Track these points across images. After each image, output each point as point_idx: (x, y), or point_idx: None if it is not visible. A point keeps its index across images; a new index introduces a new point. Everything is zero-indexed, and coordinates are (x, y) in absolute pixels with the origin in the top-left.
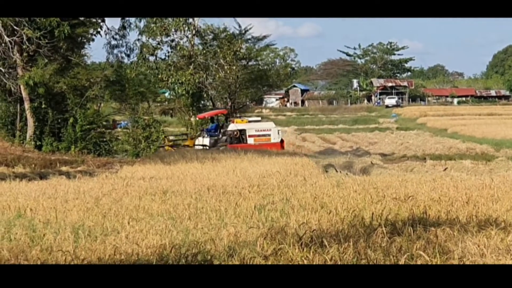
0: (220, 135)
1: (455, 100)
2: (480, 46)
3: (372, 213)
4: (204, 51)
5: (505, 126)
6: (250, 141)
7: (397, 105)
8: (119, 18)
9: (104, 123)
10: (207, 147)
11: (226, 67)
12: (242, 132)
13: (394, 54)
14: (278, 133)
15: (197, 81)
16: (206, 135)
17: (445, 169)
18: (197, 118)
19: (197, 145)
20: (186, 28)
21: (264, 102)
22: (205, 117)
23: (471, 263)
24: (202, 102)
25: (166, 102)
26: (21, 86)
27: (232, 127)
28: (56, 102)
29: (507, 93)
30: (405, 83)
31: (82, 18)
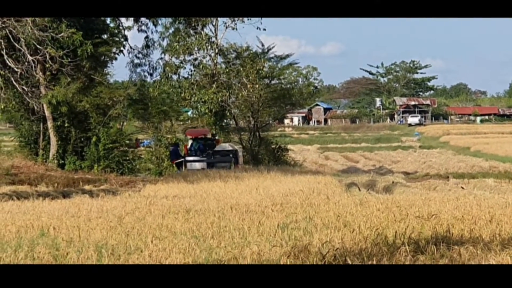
0: (211, 155)
1: (478, 119)
2: (503, 64)
3: (395, 232)
4: (227, 70)
5: None
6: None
7: (420, 124)
8: (143, 37)
9: (127, 141)
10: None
11: (249, 86)
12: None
13: (417, 73)
14: None
15: (220, 99)
16: (201, 155)
17: (463, 188)
18: (186, 136)
19: (190, 161)
20: (209, 47)
21: (291, 121)
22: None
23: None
24: (225, 120)
25: (189, 121)
26: (44, 105)
27: (224, 146)
28: (79, 121)
29: None
30: (428, 102)
31: (105, 37)
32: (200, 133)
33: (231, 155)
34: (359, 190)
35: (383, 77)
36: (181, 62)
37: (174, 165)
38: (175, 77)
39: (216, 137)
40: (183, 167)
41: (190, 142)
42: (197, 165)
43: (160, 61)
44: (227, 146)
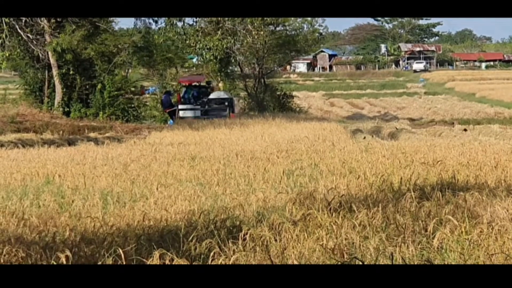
0: (205, 103)
1: (483, 65)
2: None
3: (401, 178)
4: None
5: None
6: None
7: (425, 70)
8: None
9: (132, 89)
10: (199, 116)
11: (254, 33)
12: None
13: (422, 19)
14: None
15: (225, 46)
16: (194, 103)
17: (465, 130)
18: (180, 83)
19: (183, 109)
20: None
21: (291, 68)
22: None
23: (499, 228)
24: (230, 67)
25: (194, 68)
26: (49, 53)
27: (219, 94)
28: (84, 69)
29: None
30: (433, 48)
31: None
32: (194, 80)
33: (226, 103)
34: (364, 138)
35: (388, 23)
36: None
37: (167, 114)
38: (180, 24)
39: (211, 84)
40: (176, 116)
41: (183, 89)
42: (191, 114)
43: None
44: (222, 93)
